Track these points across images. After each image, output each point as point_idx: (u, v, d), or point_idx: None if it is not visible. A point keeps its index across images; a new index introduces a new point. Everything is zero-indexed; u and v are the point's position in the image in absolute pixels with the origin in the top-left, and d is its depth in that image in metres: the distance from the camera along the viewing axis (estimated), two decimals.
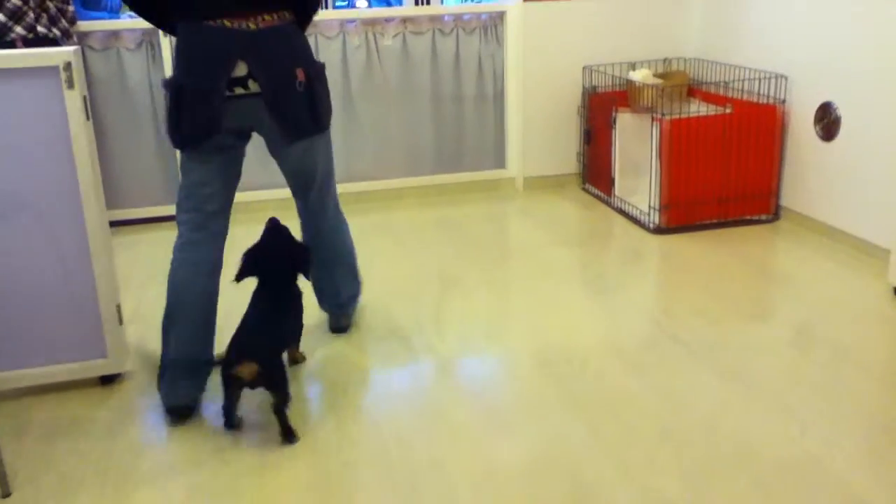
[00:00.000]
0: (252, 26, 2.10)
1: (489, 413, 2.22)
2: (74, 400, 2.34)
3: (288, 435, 2.09)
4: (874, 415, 2.14)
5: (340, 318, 2.73)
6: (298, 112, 2.21)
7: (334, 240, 2.62)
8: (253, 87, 2.13)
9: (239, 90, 2.13)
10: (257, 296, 2.26)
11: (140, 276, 3.37)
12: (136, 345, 2.67)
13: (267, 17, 2.12)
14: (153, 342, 2.68)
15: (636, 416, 2.16)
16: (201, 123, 2.14)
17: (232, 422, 2.15)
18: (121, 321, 2.36)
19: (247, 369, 2.04)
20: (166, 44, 3.85)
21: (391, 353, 2.59)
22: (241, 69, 2.11)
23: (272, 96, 2.14)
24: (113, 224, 3.99)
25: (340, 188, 4.18)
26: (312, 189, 2.50)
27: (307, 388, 2.40)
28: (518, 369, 2.47)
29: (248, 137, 2.34)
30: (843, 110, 3.33)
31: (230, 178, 2.32)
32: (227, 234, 2.35)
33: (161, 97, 3.93)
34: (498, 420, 2.18)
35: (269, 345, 2.15)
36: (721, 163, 3.61)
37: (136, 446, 2.11)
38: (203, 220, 2.27)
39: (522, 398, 2.29)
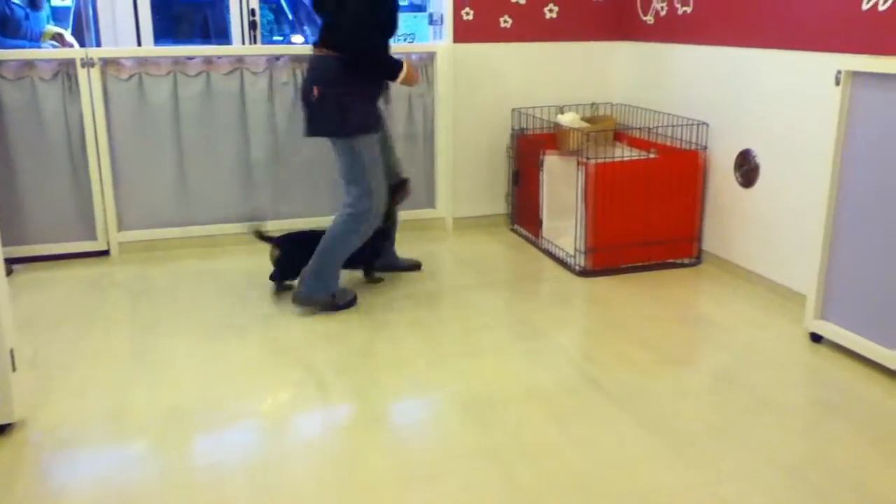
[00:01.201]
0: (317, 54, 3.08)
1: (407, 461, 2.14)
2: None
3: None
4: (789, 463, 2.14)
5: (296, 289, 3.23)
6: (312, 115, 3.11)
7: (328, 231, 3.19)
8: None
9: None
10: None
11: (47, 316, 3.20)
12: (35, 391, 2.51)
13: (320, 50, 3.06)
14: (56, 390, 2.54)
15: (554, 466, 2.12)
16: None
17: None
18: (14, 367, 2.22)
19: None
20: (84, 75, 3.73)
21: (308, 398, 2.50)
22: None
23: (301, 102, 3.17)
24: (21, 260, 3.85)
25: (268, 226, 4.13)
26: (343, 182, 3.19)
27: (212, 433, 2.29)
28: (440, 416, 2.41)
29: None
30: (761, 158, 3.41)
31: None
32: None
33: (77, 129, 3.80)
34: (415, 469, 2.11)
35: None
36: (645, 207, 3.65)
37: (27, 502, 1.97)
38: None
39: (442, 446, 2.22)
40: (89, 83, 3.75)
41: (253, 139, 4.06)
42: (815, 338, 2.92)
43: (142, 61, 3.86)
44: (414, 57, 4.23)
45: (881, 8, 2.78)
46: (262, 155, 4.09)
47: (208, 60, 3.93)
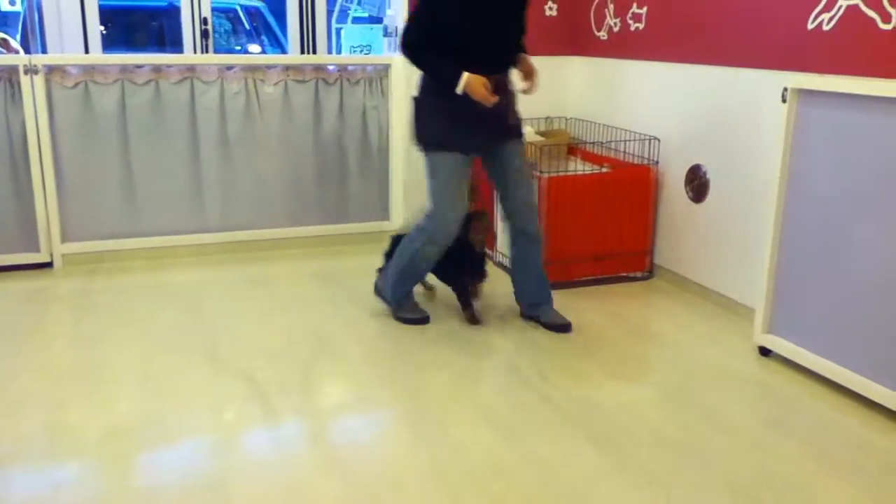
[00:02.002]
0: None
1: (352, 483, 2.09)
2: None
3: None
4: (738, 481, 2.14)
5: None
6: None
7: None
8: None
9: None
10: None
11: None
12: None
13: None
14: None
15: (501, 485, 2.09)
16: None
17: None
18: None
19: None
20: (27, 82, 3.62)
21: (252, 416, 2.44)
22: None
23: None
24: None
25: (216, 237, 4.06)
26: None
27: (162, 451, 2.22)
28: (387, 435, 2.36)
29: None
30: (711, 173, 3.45)
31: None
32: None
33: (20, 137, 3.69)
34: (360, 491, 2.06)
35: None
36: (598, 221, 3.66)
37: None
38: None
39: (389, 467, 2.18)
40: (32, 91, 3.65)
41: (203, 149, 3.99)
42: (764, 352, 2.94)
43: (88, 69, 3.76)
44: (369, 69, 4.20)
45: (826, 27, 2.83)
46: (212, 165, 4.01)
47: (157, 69, 3.85)
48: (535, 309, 3.20)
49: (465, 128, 2.86)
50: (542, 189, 3.54)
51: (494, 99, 2.76)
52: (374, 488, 2.07)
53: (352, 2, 7.07)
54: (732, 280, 3.38)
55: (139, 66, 3.83)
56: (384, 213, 4.41)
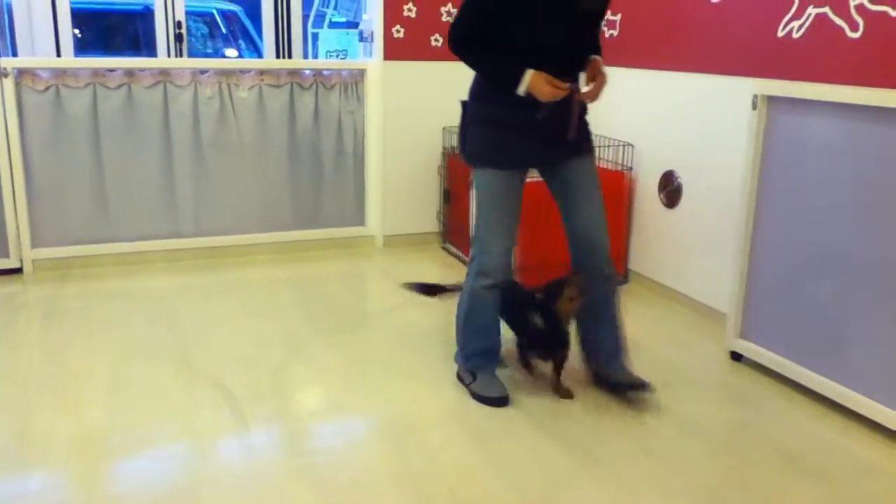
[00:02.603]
0: None
1: (322, 491, 2.08)
2: None
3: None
4: (708, 485, 2.15)
5: None
6: None
7: None
8: None
9: None
10: None
11: None
12: None
13: None
14: None
15: (471, 490, 2.09)
16: None
17: None
18: None
19: None
20: None
21: (222, 424, 2.41)
22: None
23: None
24: None
25: (189, 242, 4.03)
26: None
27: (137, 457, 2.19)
28: (359, 441, 2.35)
29: None
30: (684, 179, 3.47)
31: None
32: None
33: None
34: (331, 498, 2.05)
35: None
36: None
37: None
38: None
39: (360, 473, 2.17)
40: (2, 94, 3.60)
41: (176, 154, 3.95)
42: (736, 356, 2.96)
43: (59, 72, 3.72)
44: (344, 74, 4.19)
45: (795, 35, 2.86)
46: (185, 170, 3.98)
47: (130, 73, 3.82)
48: (609, 364, 2.65)
49: (518, 140, 2.42)
50: None
51: (564, 91, 2.31)
52: (344, 495, 2.06)
53: (328, 6, 7.06)
54: (705, 285, 3.40)
55: (111, 70, 3.79)
56: (360, 219, 4.40)
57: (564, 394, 2.62)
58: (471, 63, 2.44)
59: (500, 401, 2.55)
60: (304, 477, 2.14)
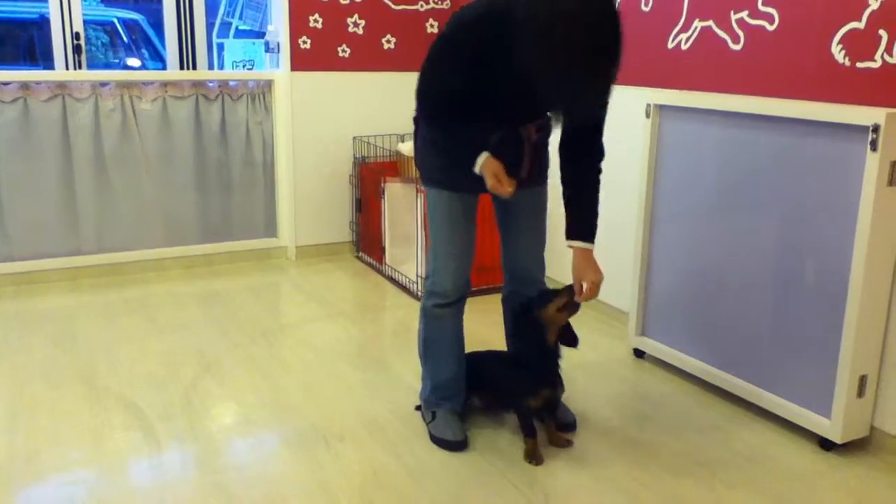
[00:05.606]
0: None
1: None
2: None
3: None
4: (611, 477, 2.24)
5: None
6: None
7: None
8: None
9: None
10: None
11: None
12: None
13: None
14: None
15: (385, 495, 2.12)
16: None
17: None
18: None
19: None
20: None
21: (132, 445, 2.37)
22: None
23: None
24: None
25: (91, 259, 3.91)
26: None
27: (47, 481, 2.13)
28: (272, 456, 2.35)
29: None
30: None
31: None
32: None
33: None
34: None
35: None
36: (479, 232, 3.73)
37: None
38: None
39: (273, 487, 2.17)
40: None
41: (77, 169, 3.84)
42: (639, 353, 3.10)
43: None
44: (251, 84, 4.16)
45: (684, 47, 3.01)
46: (86, 185, 3.87)
47: (26, 86, 3.69)
48: None
49: (471, 165, 2.20)
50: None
51: (509, 191, 2.16)
52: None
53: (233, 16, 6.96)
54: (609, 285, 3.50)
55: (6, 84, 3.66)
56: (272, 231, 4.38)
57: (532, 455, 2.32)
58: (441, 133, 2.30)
59: (456, 445, 2.36)
60: (217, 494, 2.13)
